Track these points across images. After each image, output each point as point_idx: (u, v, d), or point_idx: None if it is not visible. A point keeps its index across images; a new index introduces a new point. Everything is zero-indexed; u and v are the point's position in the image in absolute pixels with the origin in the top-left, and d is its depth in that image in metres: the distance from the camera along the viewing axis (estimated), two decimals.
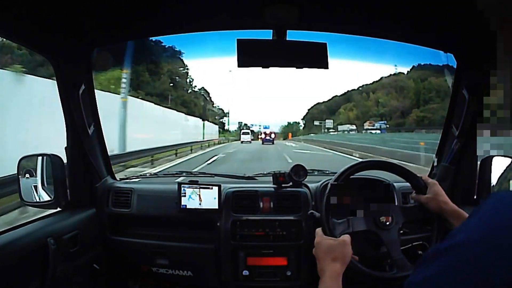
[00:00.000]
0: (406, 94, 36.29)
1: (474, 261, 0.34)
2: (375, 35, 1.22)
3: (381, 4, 1.00)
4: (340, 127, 42.54)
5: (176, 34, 1.27)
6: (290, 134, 50.38)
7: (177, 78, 33.65)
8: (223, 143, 26.23)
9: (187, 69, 33.87)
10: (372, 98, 43.71)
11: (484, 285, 0.33)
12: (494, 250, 0.34)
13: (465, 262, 0.35)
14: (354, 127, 40.70)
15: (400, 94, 37.49)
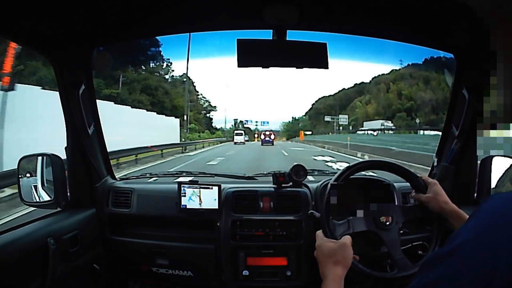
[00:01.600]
0: (436, 86, 29.31)
1: (475, 263, 0.34)
2: (375, 35, 1.22)
3: (381, 4, 1.00)
4: (367, 124, 33.98)
5: (176, 34, 1.27)
6: (302, 133, 37.17)
7: (139, 55, 23.69)
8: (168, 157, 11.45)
9: (160, 45, 24.32)
10: (393, 90, 36.33)
11: (487, 285, 0.33)
12: (494, 250, 0.34)
13: (467, 264, 0.35)
14: (390, 123, 32.98)
15: (427, 85, 31.33)
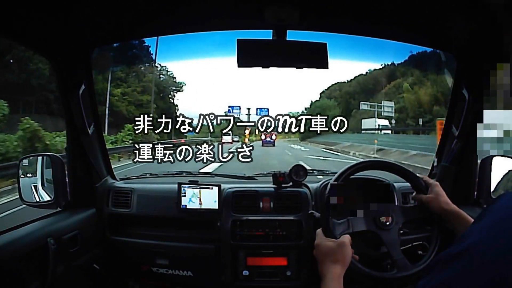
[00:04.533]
0: None
1: (488, 264, 0.34)
2: (375, 35, 1.22)
3: (381, 4, 1.00)
4: None
5: (177, 34, 1.27)
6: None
7: None
8: None
9: None
10: None
11: (499, 287, 0.33)
12: (506, 251, 0.34)
13: (479, 265, 0.34)
14: None
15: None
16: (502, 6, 0.42)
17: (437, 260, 0.39)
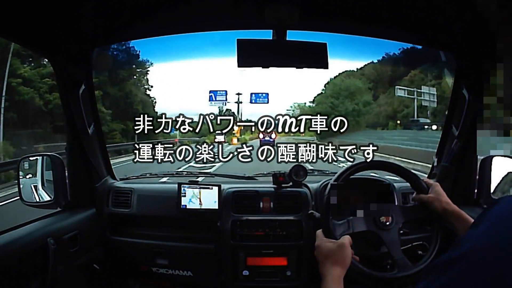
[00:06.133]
0: None
1: (486, 268, 0.34)
2: (375, 35, 1.22)
3: (381, 4, 1.00)
4: None
5: (177, 34, 1.27)
6: None
7: None
8: None
9: None
10: None
11: None
12: (504, 257, 0.34)
13: (478, 269, 0.35)
14: None
15: None
16: (494, 7, 0.42)
17: (436, 264, 0.39)
